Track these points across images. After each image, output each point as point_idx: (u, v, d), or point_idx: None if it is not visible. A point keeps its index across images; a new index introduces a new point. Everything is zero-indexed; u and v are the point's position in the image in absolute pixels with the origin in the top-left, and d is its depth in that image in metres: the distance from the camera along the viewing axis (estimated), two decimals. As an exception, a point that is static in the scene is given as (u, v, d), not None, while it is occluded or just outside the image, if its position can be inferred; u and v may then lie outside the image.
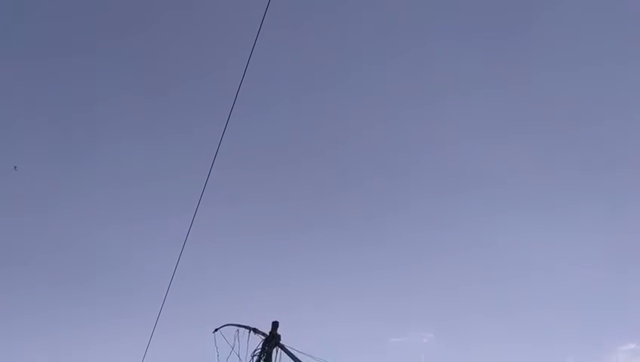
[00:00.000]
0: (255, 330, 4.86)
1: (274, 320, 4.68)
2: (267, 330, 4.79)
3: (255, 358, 4.72)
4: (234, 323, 4.92)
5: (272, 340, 4.71)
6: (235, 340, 4.79)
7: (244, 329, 4.87)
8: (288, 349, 4.56)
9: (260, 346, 4.77)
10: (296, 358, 4.38)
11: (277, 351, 4.67)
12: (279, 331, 4.66)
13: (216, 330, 4.97)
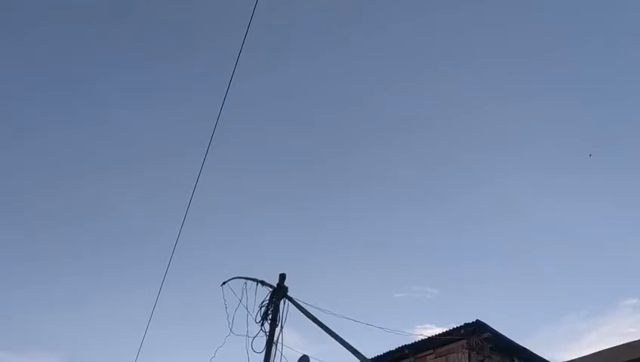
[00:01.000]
0: (262, 282, 5.04)
1: (281, 272, 4.88)
2: (274, 283, 4.99)
3: (263, 309, 4.93)
4: (242, 276, 5.08)
5: (279, 292, 4.92)
6: (243, 292, 4.98)
7: (251, 281, 5.05)
8: (295, 300, 4.78)
9: (268, 298, 4.97)
10: (303, 309, 4.62)
11: (284, 302, 4.90)
12: (286, 283, 4.88)
13: (224, 283, 5.13)
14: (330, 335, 3.98)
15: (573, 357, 3.60)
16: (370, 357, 14.89)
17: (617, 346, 3.32)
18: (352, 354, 3.61)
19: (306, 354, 12.72)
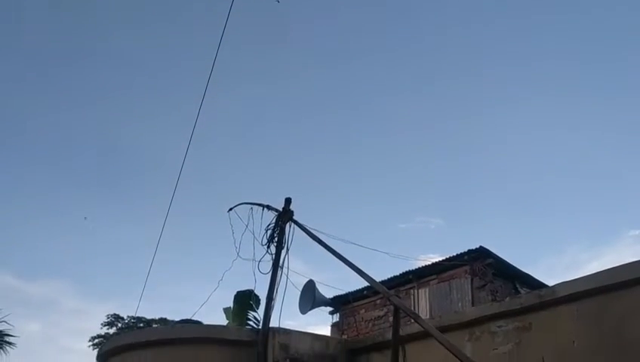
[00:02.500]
0: (268, 207, 5.10)
1: (286, 196, 4.93)
2: (280, 208, 5.04)
3: (269, 232, 5.01)
4: (247, 201, 5.14)
5: (285, 215, 4.98)
6: (249, 218, 5.05)
7: (257, 206, 5.11)
8: (301, 224, 4.86)
9: (274, 221, 5.04)
10: (308, 231, 4.69)
11: (290, 226, 4.96)
12: (291, 208, 4.93)
13: (230, 210, 5.19)
14: (336, 256, 4.05)
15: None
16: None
17: (614, 266, 3.38)
18: (358, 275, 3.68)
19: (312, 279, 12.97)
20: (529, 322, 3.69)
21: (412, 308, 11.17)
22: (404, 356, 3.46)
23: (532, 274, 14.59)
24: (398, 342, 3.21)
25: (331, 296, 16.35)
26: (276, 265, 4.76)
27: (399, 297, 3.44)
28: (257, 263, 4.89)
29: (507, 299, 4.00)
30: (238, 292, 8.69)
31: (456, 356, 2.75)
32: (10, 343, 20.01)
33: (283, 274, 4.82)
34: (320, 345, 4.75)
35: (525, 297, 3.81)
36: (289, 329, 4.64)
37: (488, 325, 3.91)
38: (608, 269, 3.39)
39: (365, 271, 3.79)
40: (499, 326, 3.85)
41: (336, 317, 18.02)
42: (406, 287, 14.93)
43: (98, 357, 5.09)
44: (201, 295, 5.26)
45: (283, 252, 4.88)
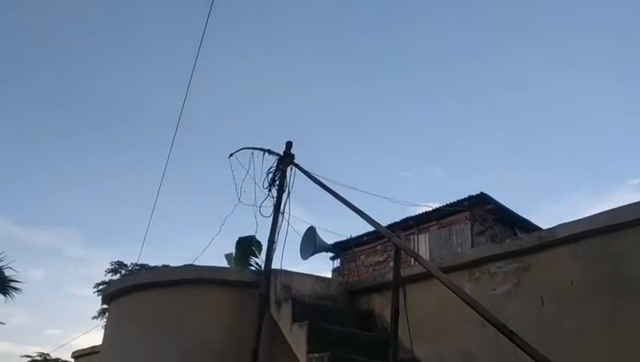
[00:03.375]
0: (269, 151, 5.08)
1: (287, 140, 4.90)
2: (281, 153, 5.02)
3: (270, 175, 5.01)
4: (248, 146, 5.12)
5: (286, 158, 4.96)
6: (249, 163, 5.04)
7: (258, 151, 5.09)
8: (302, 167, 4.85)
9: (275, 164, 5.03)
10: (309, 174, 4.68)
11: (291, 169, 4.96)
12: (292, 152, 4.91)
13: (231, 155, 5.17)
14: (336, 197, 4.05)
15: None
16: (372, 230, 15.41)
17: (614, 208, 3.39)
18: (359, 218, 3.69)
19: (312, 225, 13.09)
20: (528, 263, 3.72)
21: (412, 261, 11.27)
22: (405, 296, 3.49)
23: (532, 220, 14.72)
24: (399, 283, 3.24)
25: (332, 243, 16.58)
26: (277, 208, 4.78)
27: (400, 237, 3.46)
28: (259, 207, 4.91)
29: (507, 240, 4.03)
30: (239, 238, 8.76)
31: (457, 294, 2.78)
32: (15, 288, 20.33)
33: (284, 220, 4.84)
34: (321, 287, 4.82)
35: (525, 238, 3.83)
36: (291, 271, 4.70)
37: (488, 266, 3.95)
38: (608, 210, 3.41)
39: (367, 216, 3.80)
40: (498, 267, 3.89)
41: (336, 263, 18.28)
42: (406, 233, 15.08)
43: (103, 299, 5.18)
44: (203, 242, 5.33)
45: (284, 195, 4.89)
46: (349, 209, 3.92)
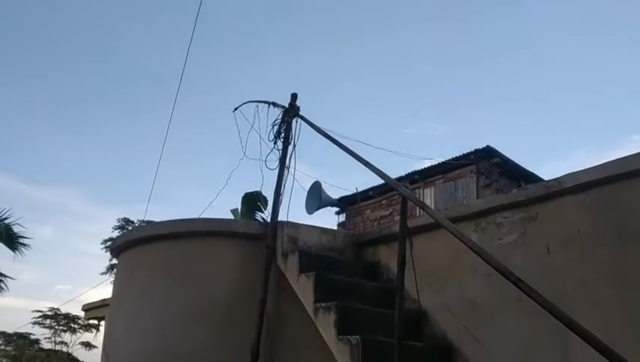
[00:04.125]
0: (274, 104, 5.04)
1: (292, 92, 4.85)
2: (286, 105, 4.98)
3: (275, 128, 4.99)
4: (253, 100, 5.08)
5: (291, 111, 4.93)
6: (254, 117, 5.00)
7: (263, 104, 5.05)
8: (307, 119, 4.81)
9: (280, 117, 5.00)
10: (315, 126, 4.65)
11: (296, 121, 4.92)
12: (297, 104, 4.87)
13: (235, 109, 5.14)
14: (342, 148, 4.03)
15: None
16: (378, 184, 15.45)
17: (623, 156, 3.36)
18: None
19: (318, 180, 13.10)
20: (535, 213, 3.72)
21: (417, 211, 11.30)
22: (411, 247, 3.50)
23: (538, 174, 14.67)
24: (406, 232, 3.25)
25: (337, 197, 16.63)
26: (283, 161, 4.77)
27: (407, 187, 3.46)
28: (264, 159, 4.91)
29: (514, 190, 4.02)
30: (245, 193, 8.77)
31: (463, 242, 2.79)
32: (24, 244, 20.57)
33: (289, 174, 4.84)
34: (328, 238, 4.85)
35: (532, 188, 3.82)
36: (297, 223, 4.72)
37: (494, 216, 3.95)
38: (616, 159, 3.38)
39: (368, 174, 3.78)
40: (505, 218, 3.89)
41: (342, 218, 18.37)
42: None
43: (111, 252, 5.23)
44: (209, 199, 5.33)
45: (290, 148, 4.87)
46: (354, 162, 3.91)
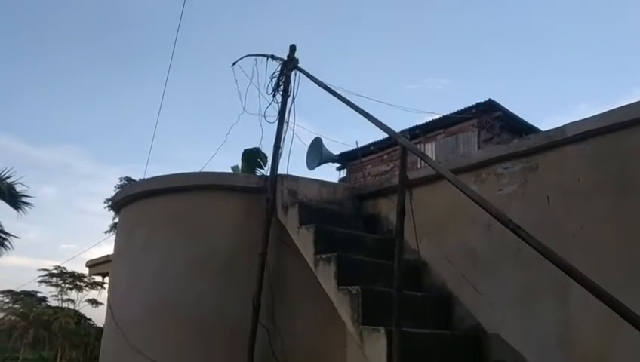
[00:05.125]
0: (273, 57, 4.96)
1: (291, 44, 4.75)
2: (285, 58, 4.91)
3: (274, 80, 4.92)
4: (251, 53, 5.00)
5: (289, 63, 4.85)
6: (253, 71, 4.93)
7: (261, 57, 4.98)
8: (306, 71, 4.75)
9: (279, 69, 4.93)
10: (314, 78, 4.59)
11: (295, 74, 4.86)
12: (296, 56, 4.78)
13: (234, 64, 5.07)
14: (342, 100, 3.97)
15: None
16: (379, 140, 15.37)
17: (625, 105, 3.31)
18: (366, 119, 3.63)
19: (318, 136, 13.02)
20: (536, 163, 3.70)
21: (418, 164, 11.29)
22: (411, 199, 3.49)
23: (540, 128, 14.59)
24: (406, 182, 3.23)
25: (338, 153, 16.59)
26: (282, 114, 4.73)
27: (406, 137, 3.42)
28: (264, 113, 4.86)
29: (515, 140, 3.98)
30: (245, 150, 8.76)
31: (463, 191, 2.77)
32: (27, 203, 20.65)
33: (289, 128, 4.80)
34: (327, 191, 4.84)
35: (533, 138, 3.79)
36: (296, 176, 4.71)
37: (494, 167, 3.93)
38: (620, 107, 3.33)
39: (370, 130, 3.74)
40: (505, 168, 3.87)
41: (343, 174, 18.38)
42: (413, 142, 15.04)
43: (112, 207, 5.23)
44: (209, 157, 5.30)
45: (289, 101, 4.82)
46: (354, 118, 3.85)
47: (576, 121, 3.51)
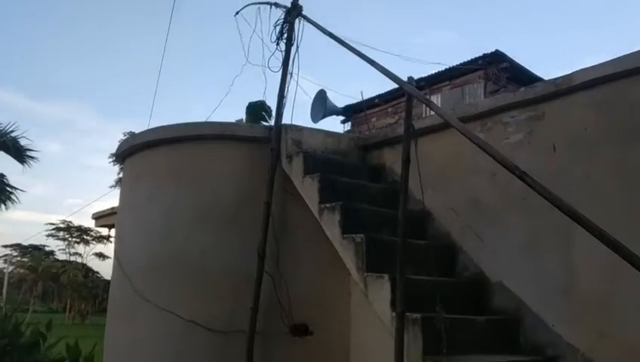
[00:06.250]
0: (276, 4, 4.84)
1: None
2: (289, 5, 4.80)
3: (278, 28, 4.84)
4: (254, 1, 4.89)
5: (293, 10, 4.76)
6: (256, 20, 4.83)
7: (265, 5, 4.87)
8: (310, 19, 4.65)
9: (282, 17, 4.84)
10: (319, 26, 4.50)
11: (299, 21, 4.77)
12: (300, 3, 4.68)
13: (237, 13, 4.96)
14: (347, 47, 3.91)
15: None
16: (384, 92, 15.21)
17: (635, 51, 3.24)
18: (372, 66, 3.58)
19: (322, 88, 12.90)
20: (542, 111, 3.66)
21: (423, 115, 11.22)
22: (416, 149, 3.46)
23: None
24: (410, 130, 3.20)
25: (342, 106, 16.45)
26: (286, 62, 4.66)
27: (412, 85, 3.38)
28: (267, 62, 4.80)
29: (522, 88, 3.93)
30: (249, 103, 8.72)
31: (469, 139, 2.74)
32: (32, 157, 20.69)
33: (293, 80, 4.74)
34: (332, 141, 4.82)
35: (540, 86, 3.74)
36: (301, 126, 4.68)
37: (501, 116, 3.89)
38: (629, 54, 3.27)
39: (378, 64, 3.68)
40: (511, 117, 3.83)
41: (347, 126, 18.28)
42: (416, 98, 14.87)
43: (116, 158, 5.23)
44: (214, 112, 5.25)
45: (293, 49, 4.75)
46: (358, 69, 3.80)
47: (585, 68, 3.45)
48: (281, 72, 4.67)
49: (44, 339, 8.30)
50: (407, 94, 3.23)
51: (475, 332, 3.43)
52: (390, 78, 3.40)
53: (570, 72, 3.51)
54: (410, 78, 3.24)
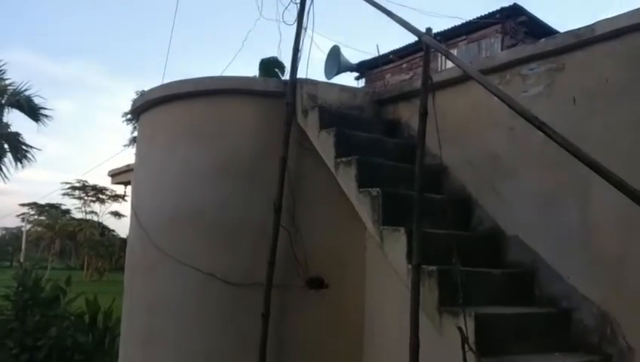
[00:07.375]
0: (291, -44, 4.77)
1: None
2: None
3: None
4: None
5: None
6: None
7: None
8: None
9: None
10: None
11: (314, -28, 4.68)
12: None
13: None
14: (367, 1, 3.84)
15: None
16: (398, 47, 15.00)
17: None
18: (388, 17, 3.51)
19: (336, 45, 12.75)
20: (562, 63, 3.59)
21: (439, 69, 11.06)
22: (433, 103, 3.43)
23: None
24: (428, 81, 3.16)
25: (356, 62, 16.29)
26: (301, 14, 4.59)
27: (430, 36, 3.32)
28: (282, 14, 4.74)
29: (542, 40, 3.86)
30: (262, 59, 8.65)
31: (488, 89, 2.71)
32: (46, 116, 20.79)
33: (307, 36, 4.68)
34: (347, 96, 4.79)
35: (561, 37, 3.66)
36: (316, 80, 4.65)
37: (520, 68, 3.83)
38: (655, 3, 3.18)
39: (395, 15, 3.62)
40: (530, 69, 3.77)
41: (361, 83, 18.12)
42: (434, 50, 14.66)
43: (132, 113, 5.23)
44: (227, 71, 5.21)
45: (307, 1, 4.67)
46: (372, 24, 3.74)
47: (608, 18, 3.36)
48: (295, 24, 4.61)
49: (64, 294, 8.51)
50: (425, 45, 3.18)
51: (491, 284, 3.46)
52: (408, 30, 3.34)
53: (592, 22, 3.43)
54: (429, 29, 3.18)
